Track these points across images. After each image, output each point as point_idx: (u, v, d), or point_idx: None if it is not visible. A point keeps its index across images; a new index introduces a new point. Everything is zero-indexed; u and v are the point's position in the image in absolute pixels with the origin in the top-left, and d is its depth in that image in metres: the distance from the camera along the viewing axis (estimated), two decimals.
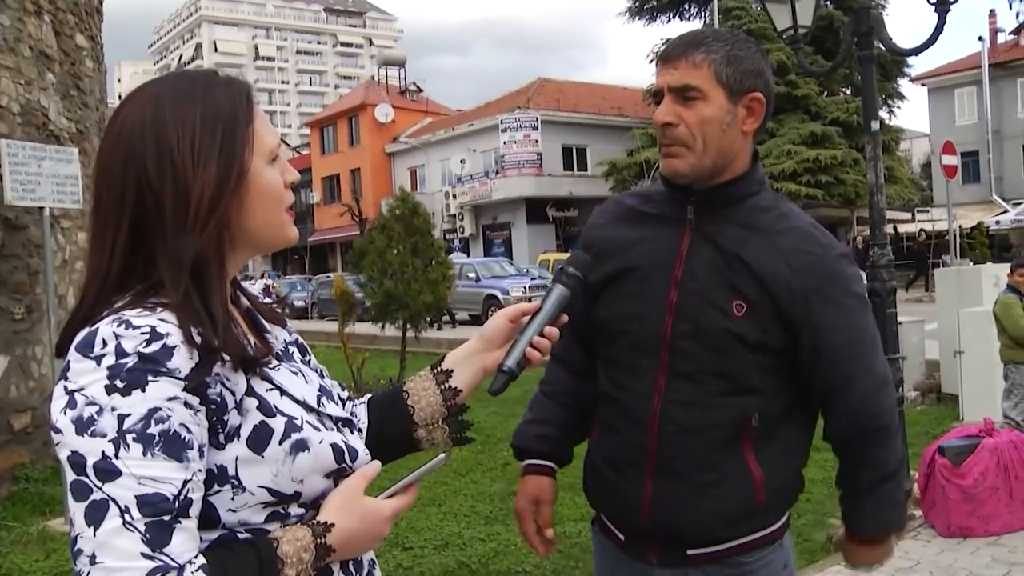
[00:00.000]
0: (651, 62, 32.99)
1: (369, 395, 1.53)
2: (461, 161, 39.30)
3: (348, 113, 46.99)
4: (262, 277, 34.38)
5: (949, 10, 5.31)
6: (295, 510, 1.20)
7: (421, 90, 49.03)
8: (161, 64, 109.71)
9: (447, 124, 43.22)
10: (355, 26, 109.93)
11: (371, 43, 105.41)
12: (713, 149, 1.76)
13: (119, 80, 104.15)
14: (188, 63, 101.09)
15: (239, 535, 1.16)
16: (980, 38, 34.60)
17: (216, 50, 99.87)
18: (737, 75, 1.75)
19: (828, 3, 30.53)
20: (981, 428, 5.42)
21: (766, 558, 1.85)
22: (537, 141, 37.40)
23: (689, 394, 1.78)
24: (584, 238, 2.00)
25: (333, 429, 1.27)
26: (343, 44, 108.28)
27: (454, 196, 39.77)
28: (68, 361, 1.09)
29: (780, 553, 1.89)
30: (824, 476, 6.57)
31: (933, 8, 5.34)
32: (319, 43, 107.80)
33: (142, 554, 1.02)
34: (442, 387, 1.47)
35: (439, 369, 1.49)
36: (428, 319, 10.74)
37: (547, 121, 37.62)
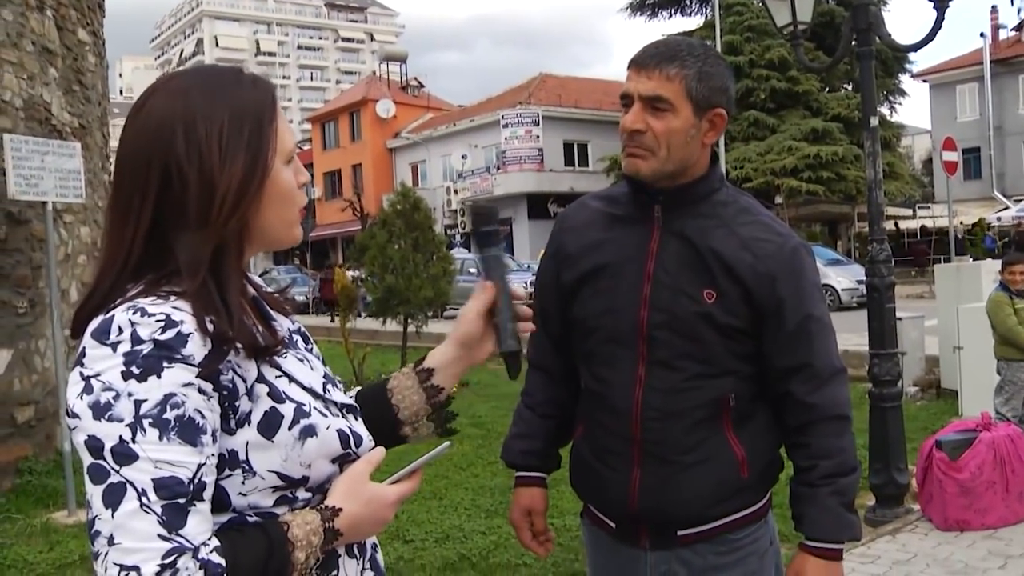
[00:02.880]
0: None
1: (358, 388, 1.55)
2: (462, 157, 39.31)
3: (349, 108, 46.99)
4: (349, 269, 31.79)
5: (948, 6, 5.33)
6: (302, 494, 1.23)
7: (422, 85, 49.01)
8: (162, 59, 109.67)
9: (448, 120, 43.22)
10: (356, 21, 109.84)
11: (372, 38, 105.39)
12: (676, 157, 1.85)
13: (120, 75, 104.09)
14: (189, 58, 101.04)
15: (249, 518, 1.19)
16: (982, 34, 34.68)
17: (217, 45, 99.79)
18: (705, 92, 1.84)
19: None
20: (978, 422, 5.45)
21: (753, 535, 1.93)
22: (538, 137, 37.42)
23: (667, 380, 1.86)
24: (553, 241, 2.08)
25: (338, 415, 1.29)
26: (344, 39, 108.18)
27: (455, 192, 39.76)
28: (83, 347, 1.12)
29: (766, 530, 1.96)
30: None
31: (932, 5, 5.36)
32: (320, 38, 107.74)
33: (159, 535, 1.05)
34: (424, 385, 1.49)
35: (421, 368, 1.51)
36: (429, 313, 10.75)
37: (548, 117, 37.62)
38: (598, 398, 1.96)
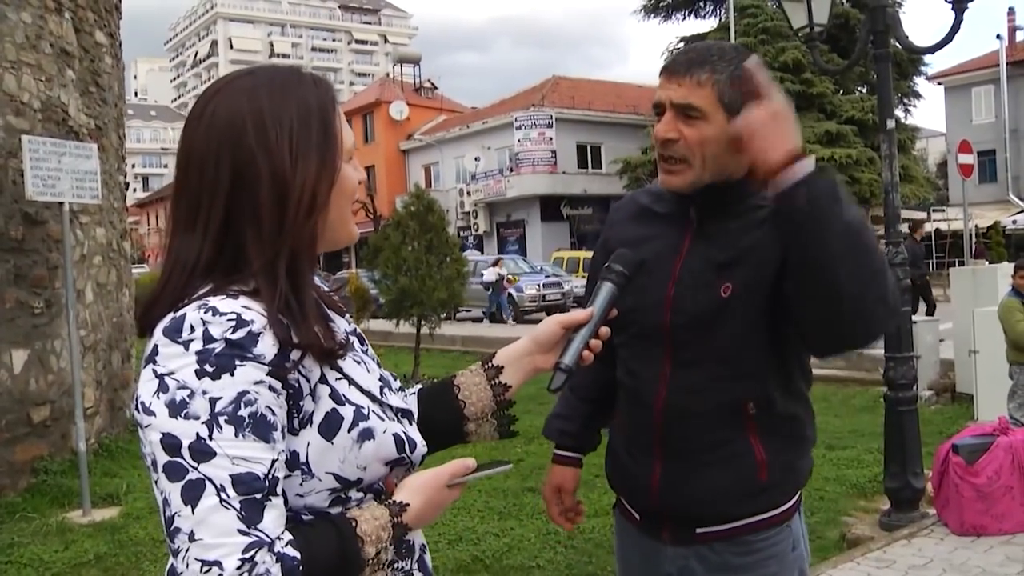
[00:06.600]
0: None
1: (419, 386, 1.57)
2: (476, 158, 39.33)
3: (363, 110, 47.08)
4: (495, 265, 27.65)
5: (966, 8, 5.29)
6: (355, 494, 1.25)
7: (436, 87, 49.08)
8: (176, 61, 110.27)
9: (461, 121, 43.26)
10: (370, 23, 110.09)
11: (386, 40, 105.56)
12: (712, 166, 1.81)
13: (135, 76, 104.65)
14: (203, 60, 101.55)
15: (303, 518, 1.20)
16: (998, 36, 34.36)
17: (231, 47, 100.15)
18: (738, 96, 1.76)
19: (844, 1, 30.37)
20: (995, 427, 5.42)
21: (773, 539, 1.92)
22: (551, 139, 37.39)
23: (690, 379, 1.87)
24: (603, 234, 2.12)
25: (394, 419, 1.31)
26: (358, 41, 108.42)
27: (468, 193, 39.80)
28: (155, 345, 1.13)
29: (789, 535, 1.95)
30: (837, 475, 6.58)
31: (950, 6, 5.33)
32: (334, 40, 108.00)
33: (238, 530, 1.07)
34: (492, 382, 1.51)
35: (490, 365, 1.53)
36: (442, 315, 10.77)
37: (561, 119, 37.60)
38: (629, 391, 1.99)
